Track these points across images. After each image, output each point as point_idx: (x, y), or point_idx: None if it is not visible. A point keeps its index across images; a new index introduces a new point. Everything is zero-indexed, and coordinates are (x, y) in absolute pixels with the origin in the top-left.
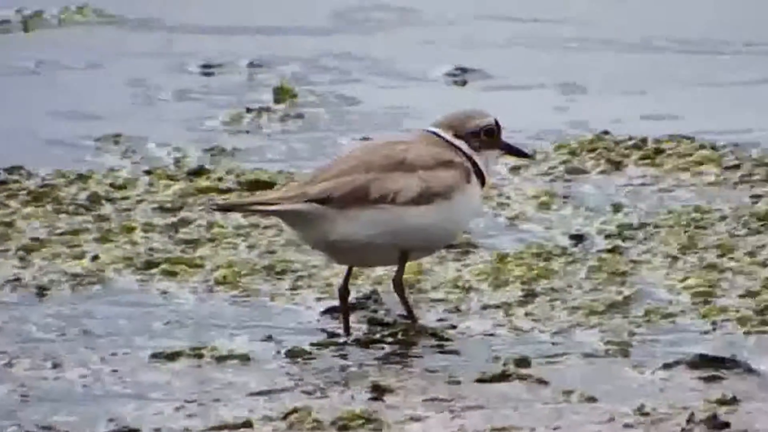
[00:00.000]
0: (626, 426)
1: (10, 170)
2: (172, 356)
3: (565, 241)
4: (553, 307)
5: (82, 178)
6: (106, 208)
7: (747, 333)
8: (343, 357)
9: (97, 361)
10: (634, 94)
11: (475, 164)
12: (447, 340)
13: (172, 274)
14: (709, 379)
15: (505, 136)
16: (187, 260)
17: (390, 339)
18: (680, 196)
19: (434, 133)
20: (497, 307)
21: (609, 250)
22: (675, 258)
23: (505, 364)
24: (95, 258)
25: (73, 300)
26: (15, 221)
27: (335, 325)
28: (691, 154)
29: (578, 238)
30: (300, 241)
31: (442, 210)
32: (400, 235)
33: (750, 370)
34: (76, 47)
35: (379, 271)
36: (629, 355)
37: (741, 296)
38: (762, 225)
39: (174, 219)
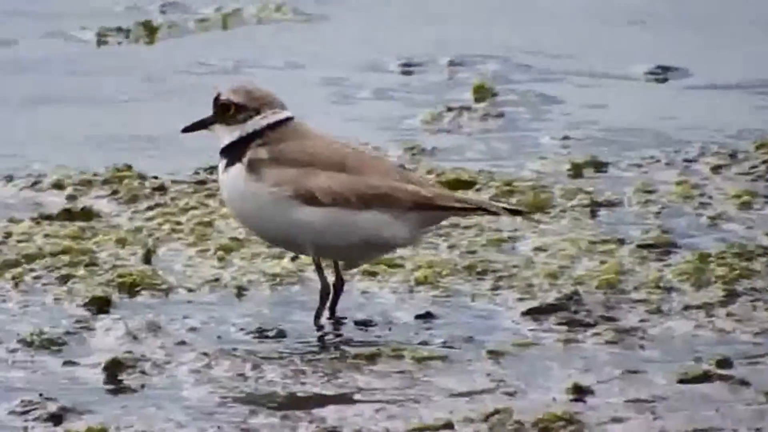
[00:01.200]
0: None
1: (210, 170)
2: (373, 357)
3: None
4: (755, 308)
5: None
6: None
7: None
8: (544, 358)
9: (297, 361)
10: None
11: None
12: (646, 340)
13: (372, 274)
14: None
15: (707, 136)
16: (388, 260)
17: (591, 340)
18: None
19: None
20: (698, 307)
21: None
22: None
23: (706, 365)
24: (294, 258)
25: (273, 300)
26: (214, 221)
27: (536, 326)
28: None
29: None
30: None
31: None
32: None
33: None
34: (274, 45)
35: (580, 270)
36: None
37: None
38: None
39: None
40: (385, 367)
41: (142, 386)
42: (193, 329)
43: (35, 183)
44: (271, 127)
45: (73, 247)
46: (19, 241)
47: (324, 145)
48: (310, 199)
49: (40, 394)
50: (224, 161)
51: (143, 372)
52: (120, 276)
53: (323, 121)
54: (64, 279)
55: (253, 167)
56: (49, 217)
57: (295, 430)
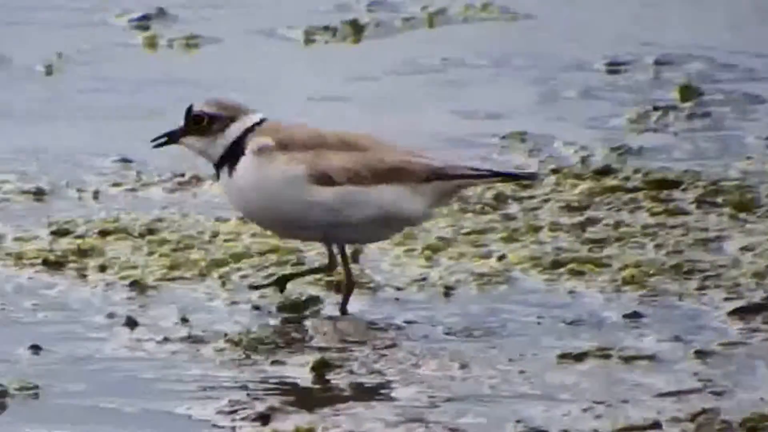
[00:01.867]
0: None
1: None
2: (580, 357)
3: None
4: None
5: None
6: (513, 208)
7: None
8: (752, 358)
9: (504, 361)
10: None
11: None
12: None
13: (579, 274)
14: None
15: None
16: (595, 260)
17: None
18: None
19: None
20: None
21: None
22: None
23: None
24: (502, 257)
25: (480, 300)
26: None
27: (743, 326)
28: None
29: None
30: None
31: None
32: None
33: None
34: (480, 44)
35: None
36: None
37: None
38: None
39: (581, 218)
40: (592, 366)
41: (350, 386)
42: (400, 329)
43: None
44: (251, 129)
45: (281, 246)
46: (226, 241)
47: (326, 130)
48: (324, 178)
49: (248, 394)
50: (225, 168)
51: (351, 371)
52: (328, 275)
53: (530, 121)
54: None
55: (262, 152)
56: None
57: (503, 430)
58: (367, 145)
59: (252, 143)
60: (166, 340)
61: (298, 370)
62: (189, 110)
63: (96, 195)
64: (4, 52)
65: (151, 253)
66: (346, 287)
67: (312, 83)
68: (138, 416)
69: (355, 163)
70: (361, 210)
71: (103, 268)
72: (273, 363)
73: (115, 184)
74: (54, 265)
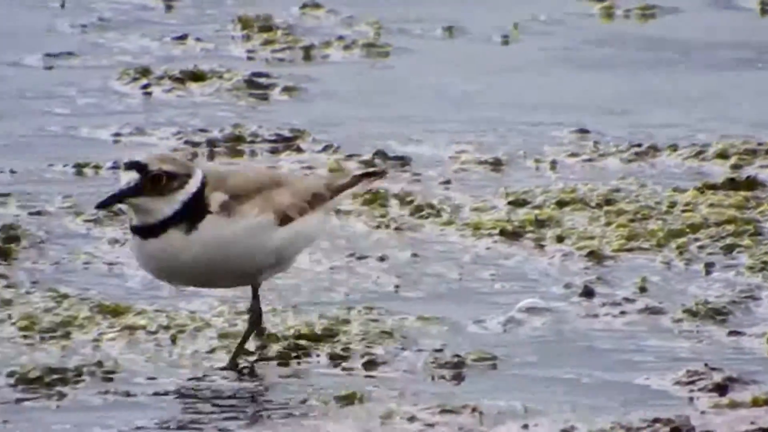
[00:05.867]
0: None
1: None
2: None
3: None
4: None
5: None
6: None
7: None
8: None
9: None
10: None
11: None
12: None
13: None
14: None
15: None
16: None
17: None
18: None
19: None
20: None
21: None
22: None
23: None
24: None
25: None
26: None
27: None
28: None
29: None
30: None
31: None
32: None
33: None
34: None
35: None
36: None
37: None
38: None
39: None
40: None
41: None
42: None
43: (699, 153)
44: (204, 183)
45: (738, 216)
46: (683, 211)
47: (250, 170)
48: (284, 218)
49: (705, 364)
50: (177, 227)
51: None
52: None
53: None
54: (729, 249)
55: (226, 209)
56: (713, 187)
57: None
58: (282, 179)
59: (213, 199)
60: (622, 312)
61: (756, 340)
62: (145, 171)
63: (553, 165)
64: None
65: (608, 224)
66: (255, 319)
67: None
68: (594, 386)
69: (294, 197)
70: (306, 240)
71: (560, 239)
72: (730, 333)
73: (572, 155)
74: (511, 235)
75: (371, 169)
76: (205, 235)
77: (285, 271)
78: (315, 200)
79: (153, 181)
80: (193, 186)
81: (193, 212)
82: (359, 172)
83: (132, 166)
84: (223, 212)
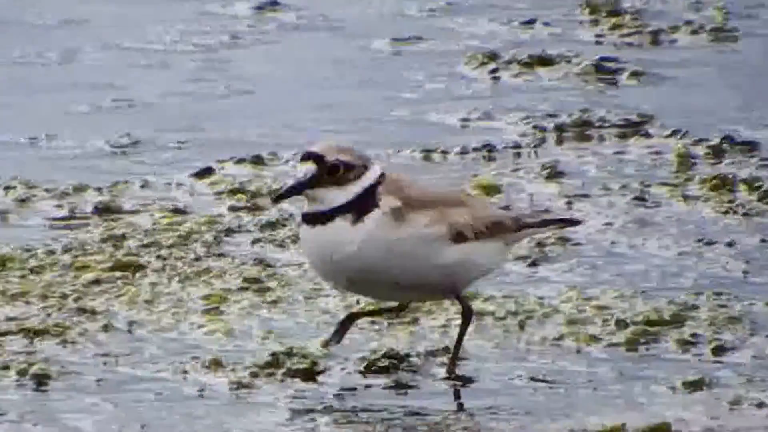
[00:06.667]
0: None
1: None
2: None
3: None
4: None
5: None
6: None
7: None
8: None
9: None
10: None
11: None
12: None
13: None
14: None
15: None
16: None
17: None
18: None
19: None
20: None
21: None
22: None
23: None
24: None
25: None
26: None
27: None
28: None
29: None
30: None
31: None
32: None
33: None
34: None
35: None
36: None
37: None
38: None
39: None
40: None
41: None
42: None
43: None
44: (379, 181)
45: None
46: None
47: (435, 187)
48: (458, 236)
49: None
50: (343, 216)
51: None
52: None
53: None
54: None
55: (397, 215)
56: None
57: None
58: (465, 200)
59: (385, 200)
60: None
61: None
62: (322, 160)
63: None
64: None
65: None
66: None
67: None
68: None
69: (473, 219)
70: (478, 268)
71: None
72: None
73: None
74: None
75: (566, 216)
76: (370, 228)
77: (448, 300)
78: (496, 228)
79: (330, 172)
80: (369, 179)
81: (363, 205)
82: (551, 217)
83: (309, 156)
84: (393, 215)
